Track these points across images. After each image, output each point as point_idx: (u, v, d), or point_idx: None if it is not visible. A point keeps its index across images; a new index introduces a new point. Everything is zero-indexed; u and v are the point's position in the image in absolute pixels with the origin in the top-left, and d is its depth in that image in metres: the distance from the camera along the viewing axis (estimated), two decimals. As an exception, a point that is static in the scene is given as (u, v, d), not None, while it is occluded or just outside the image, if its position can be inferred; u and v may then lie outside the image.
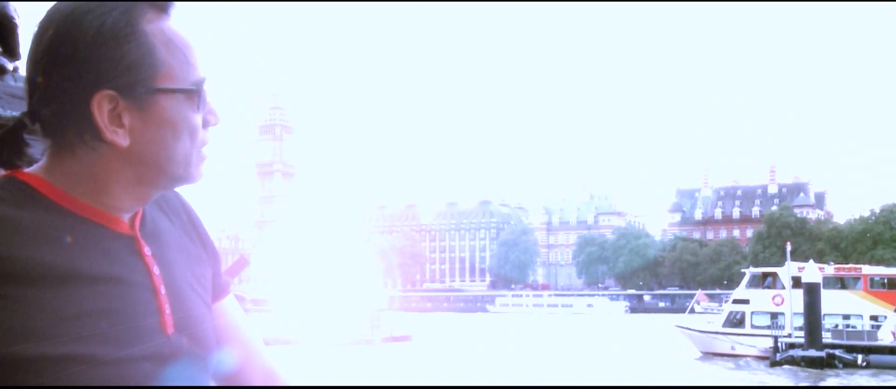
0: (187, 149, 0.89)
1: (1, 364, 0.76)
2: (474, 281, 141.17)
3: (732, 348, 34.42)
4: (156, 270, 0.89)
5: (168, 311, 0.88)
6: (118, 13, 0.85)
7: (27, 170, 0.87)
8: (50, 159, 0.88)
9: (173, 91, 0.87)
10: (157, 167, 0.88)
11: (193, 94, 0.89)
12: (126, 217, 0.90)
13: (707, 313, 53.25)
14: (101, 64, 0.84)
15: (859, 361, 29.38)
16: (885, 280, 34.59)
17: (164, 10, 0.89)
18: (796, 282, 32.45)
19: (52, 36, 0.85)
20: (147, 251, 0.89)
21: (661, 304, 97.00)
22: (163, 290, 0.88)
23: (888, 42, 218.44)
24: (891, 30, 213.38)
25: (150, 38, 0.86)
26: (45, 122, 0.87)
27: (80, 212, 0.86)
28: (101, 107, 0.84)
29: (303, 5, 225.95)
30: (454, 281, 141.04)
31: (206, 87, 0.90)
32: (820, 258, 62.74)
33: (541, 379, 27.98)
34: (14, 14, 3.49)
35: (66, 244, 0.82)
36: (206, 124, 0.92)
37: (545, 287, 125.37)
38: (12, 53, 3.45)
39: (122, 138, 0.85)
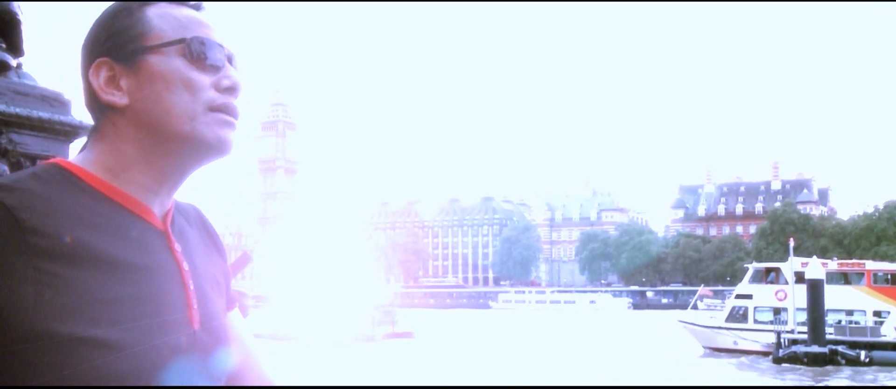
0: (186, 103, 0.91)
1: (39, 339, 0.78)
2: (477, 278, 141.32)
3: (735, 343, 34.40)
4: (185, 265, 0.92)
5: (195, 306, 0.91)
6: (125, 3, 0.94)
7: (70, 159, 0.91)
8: (89, 148, 0.93)
9: (159, 46, 0.91)
10: (159, 124, 0.91)
11: (184, 48, 0.92)
12: (158, 211, 0.93)
13: (710, 309, 53.25)
14: (96, 38, 0.93)
15: (862, 357, 29.32)
16: (889, 276, 34.52)
17: None
18: (799, 278, 32.41)
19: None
20: (177, 247, 0.93)
21: (664, 300, 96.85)
22: (191, 286, 0.92)
23: (891, 38, 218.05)
24: (894, 26, 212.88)
25: (144, 9, 0.93)
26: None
27: (118, 199, 0.89)
28: (99, 72, 0.91)
29: (305, 3, 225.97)
30: (456, 278, 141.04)
31: (209, 48, 0.93)
32: (823, 254, 62.69)
33: (544, 376, 27.97)
34: (18, 11, 3.49)
35: (104, 230, 0.85)
36: (219, 87, 0.94)
37: (534, 284, 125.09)
38: (16, 50, 3.44)
39: (118, 98, 0.91)
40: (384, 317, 44.39)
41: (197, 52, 0.92)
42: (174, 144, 0.92)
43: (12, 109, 3.11)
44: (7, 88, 3.17)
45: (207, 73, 0.93)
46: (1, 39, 3.33)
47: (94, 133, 0.93)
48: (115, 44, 0.91)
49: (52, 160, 0.90)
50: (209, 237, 1.04)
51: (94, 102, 0.92)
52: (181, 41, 0.92)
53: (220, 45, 0.95)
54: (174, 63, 0.91)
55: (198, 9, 0.97)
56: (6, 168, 3.08)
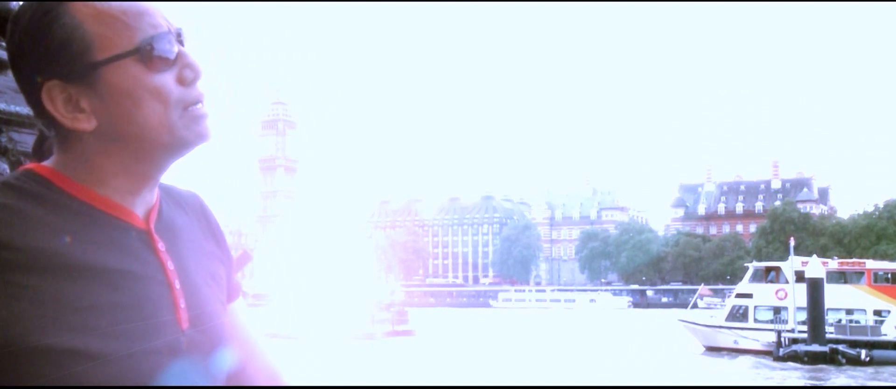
0: (159, 113, 0.86)
1: (19, 355, 0.77)
2: (477, 277, 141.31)
3: (735, 342, 34.42)
4: (170, 265, 0.89)
5: (183, 306, 0.88)
6: (39, 4, 0.86)
7: (44, 163, 0.89)
8: (57, 152, 0.89)
9: (113, 59, 0.85)
10: (136, 139, 0.87)
11: (141, 55, 0.85)
12: (140, 210, 0.90)
13: (710, 308, 53.28)
14: (35, 57, 0.85)
15: (862, 356, 29.33)
16: (889, 275, 34.52)
17: None
18: (800, 277, 32.42)
19: (6, 45, 0.88)
20: (161, 246, 0.89)
21: (664, 299, 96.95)
22: (177, 285, 0.88)
23: (891, 38, 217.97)
24: (894, 26, 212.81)
25: (74, 16, 0.84)
26: (46, 126, 0.90)
27: (95, 204, 0.86)
28: (53, 98, 0.85)
29: (305, 3, 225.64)
30: (457, 277, 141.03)
31: (164, 43, 0.87)
32: (823, 253, 62.59)
33: (544, 376, 27.97)
34: (17, 8, 3.47)
35: (80, 237, 0.83)
36: (184, 81, 0.88)
37: (512, 282, 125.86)
38: (16, 48, 3.43)
39: (84, 123, 0.85)
40: (395, 316, 44.63)
41: (154, 53, 0.86)
42: (153, 152, 0.88)
43: (12, 108, 3.10)
44: (7, 86, 3.17)
45: (168, 69, 0.87)
46: (1, 38, 3.33)
47: (62, 144, 0.88)
48: (62, 64, 0.84)
49: (26, 167, 0.87)
50: (209, 227, 1.01)
51: (55, 123, 0.87)
52: (135, 51, 0.85)
53: (169, 32, 0.88)
54: (133, 73, 0.85)
55: None
56: (6, 167, 3.07)
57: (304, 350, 32.53)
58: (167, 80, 0.87)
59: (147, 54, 0.85)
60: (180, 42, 0.90)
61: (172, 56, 0.87)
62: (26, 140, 3.16)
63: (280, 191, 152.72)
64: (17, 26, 0.86)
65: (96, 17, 0.85)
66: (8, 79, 3.26)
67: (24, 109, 3.20)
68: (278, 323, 39.76)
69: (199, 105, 0.89)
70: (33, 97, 0.87)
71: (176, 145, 0.88)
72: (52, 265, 0.79)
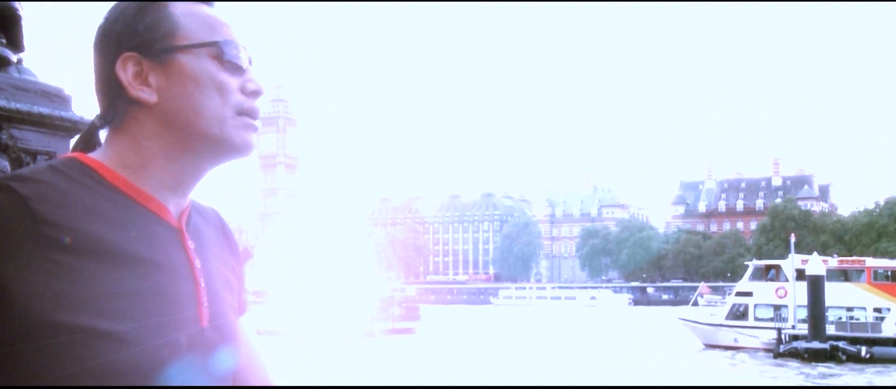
0: (217, 105, 0.93)
1: (48, 330, 0.79)
2: (478, 274, 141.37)
3: (736, 340, 34.44)
4: (197, 263, 0.93)
5: (205, 304, 0.92)
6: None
7: (90, 154, 0.92)
8: (107, 143, 0.94)
9: (191, 47, 0.92)
10: (187, 124, 0.92)
11: (215, 51, 0.93)
12: (174, 209, 0.94)
13: (710, 305, 53.30)
14: (121, 33, 0.93)
15: (863, 353, 29.38)
16: (889, 273, 34.52)
17: None
18: (800, 275, 32.45)
19: (96, 35, 0.96)
20: (190, 244, 0.94)
21: (665, 297, 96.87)
22: (202, 283, 0.93)
23: (892, 37, 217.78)
24: (894, 25, 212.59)
25: (169, 7, 0.94)
26: (104, 111, 0.95)
27: (134, 196, 0.90)
28: (126, 67, 0.92)
29: (305, 1, 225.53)
30: (457, 274, 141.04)
31: (237, 52, 0.95)
32: (824, 250, 62.65)
33: (544, 374, 27.98)
34: (18, 7, 3.49)
35: (118, 225, 0.86)
36: (245, 91, 0.95)
37: (488, 279, 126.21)
38: (16, 45, 3.44)
39: (148, 95, 0.91)
40: (406, 312, 44.87)
41: (226, 54, 0.94)
42: (200, 145, 0.93)
43: (13, 105, 3.10)
44: (7, 83, 3.17)
45: (234, 75, 0.94)
46: (1, 35, 3.33)
47: (115, 127, 0.94)
48: (144, 40, 0.92)
49: (70, 154, 0.91)
50: (226, 240, 1.05)
51: (120, 96, 0.93)
52: (213, 44, 0.93)
53: (244, 47, 0.97)
54: (205, 64, 0.93)
55: (210, 6, 0.98)
56: (7, 164, 3.07)
57: (304, 348, 32.54)
58: (231, 81, 0.94)
59: (221, 52, 0.93)
60: (250, 64, 0.98)
61: (242, 65, 0.95)
62: (27, 137, 3.16)
63: (280, 188, 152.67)
64: (115, 8, 0.95)
65: (187, 14, 0.94)
66: (9, 76, 3.26)
67: (25, 106, 3.19)
68: (278, 321, 39.72)
69: (252, 119, 0.96)
70: (106, 71, 0.93)
71: (222, 143, 0.94)
72: (91, 249, 0.82)
